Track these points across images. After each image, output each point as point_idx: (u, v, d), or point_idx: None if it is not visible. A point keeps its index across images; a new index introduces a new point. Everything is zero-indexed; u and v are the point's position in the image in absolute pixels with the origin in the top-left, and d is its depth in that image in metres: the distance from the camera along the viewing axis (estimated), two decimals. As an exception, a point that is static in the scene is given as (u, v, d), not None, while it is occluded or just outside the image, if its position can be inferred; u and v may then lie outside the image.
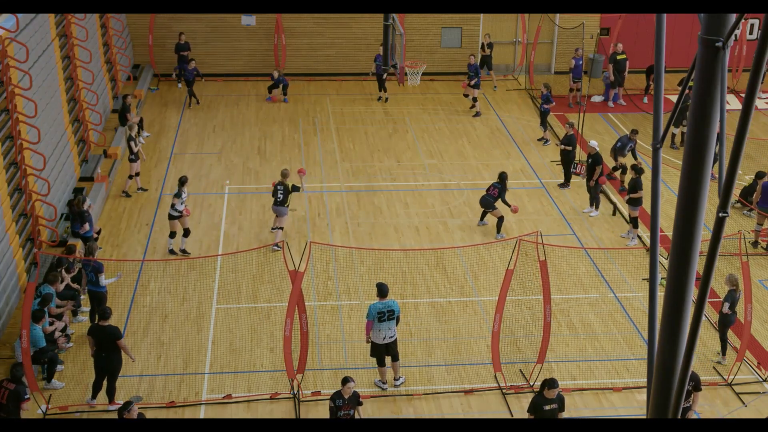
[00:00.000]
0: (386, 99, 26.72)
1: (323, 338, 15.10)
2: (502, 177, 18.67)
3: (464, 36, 29.47)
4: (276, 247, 17.59)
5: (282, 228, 18.07)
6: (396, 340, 13.62)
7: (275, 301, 16.06)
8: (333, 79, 27.80)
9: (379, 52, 26.17)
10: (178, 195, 17.57)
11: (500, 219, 18.58)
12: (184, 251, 17.78)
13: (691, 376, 7.85)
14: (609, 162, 21.96)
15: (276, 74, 26.49)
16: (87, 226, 16.87)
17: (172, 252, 17.73)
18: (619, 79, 26.56)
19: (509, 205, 18.67)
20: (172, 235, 17.74)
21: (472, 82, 25.79)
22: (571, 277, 17.05)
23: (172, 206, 17.60)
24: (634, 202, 18.17)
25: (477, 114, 25.86)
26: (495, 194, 18.56)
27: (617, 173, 20.82)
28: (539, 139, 23.88)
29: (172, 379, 14.00)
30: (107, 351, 12.96)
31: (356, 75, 29.01)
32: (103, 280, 14.95)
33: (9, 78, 16.83)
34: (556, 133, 24.12)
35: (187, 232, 17.84)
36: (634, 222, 18.43)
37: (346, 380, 12.11)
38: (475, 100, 26.05)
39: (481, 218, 19.14)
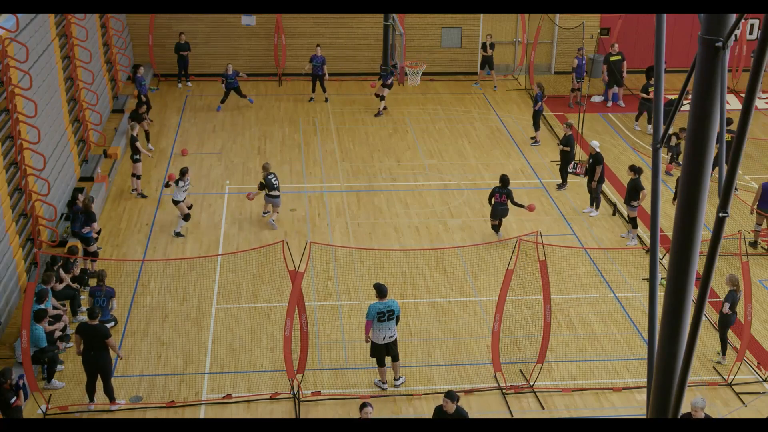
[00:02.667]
0: (326, 99, 26.68)
1: (323, 338, 15.10)
2: (506, 181, 18.31)
3: (464, 36, 29.47)
4: (272, 223, 18.88)
5: (277, 212, 19.00)
6: (396, 340, 13.61)
7: (275, 301, 16.06)
8: (333, 79, 27.80)
9: (316, 52, 26.15)
10: (177, 183, 18.43)
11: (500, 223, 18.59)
12: (178, 234, 18.43)
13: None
14: (610, 163, 21.95)
15: (231, 68, 25.27)
16: (96, 226, 17.00)
17: (178, 234, 18.47)
18: (616, 79, 26.51)
19: (523, 206, 18.46)
20: (186, 218, 18.53)
21: (389, 82, 25.45)
22: (571, 277, 17.05)
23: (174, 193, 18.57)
24: (636, 203, 18.17)
25: (379, 113, 25.55)
26: (505, 200, 18.17)
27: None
28: (533, 141, 23.85)
29: (172, 379, 14.00)
30: (96, 350, 12.91)
31: (356, 75, 29.03)
32: (114, 304, 14.87)
33: (9, 78, 16.83)
34: (556, 133, 24.11)
35: (187, 217, 18.53)
36: (633, 222, 18.43)
37: (363, 405, 11.51)
38: (382, 98, 25.61)
39: (498, 230, 18.62)
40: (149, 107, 24.46)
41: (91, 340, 12.89)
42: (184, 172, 18.45)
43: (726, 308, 14.25)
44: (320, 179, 21.37)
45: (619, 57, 26.37)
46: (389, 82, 25.50)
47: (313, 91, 26.68)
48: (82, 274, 16.01)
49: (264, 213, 19.24)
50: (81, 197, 17.75)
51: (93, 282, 15.54)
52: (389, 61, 21.28)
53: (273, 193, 18.62)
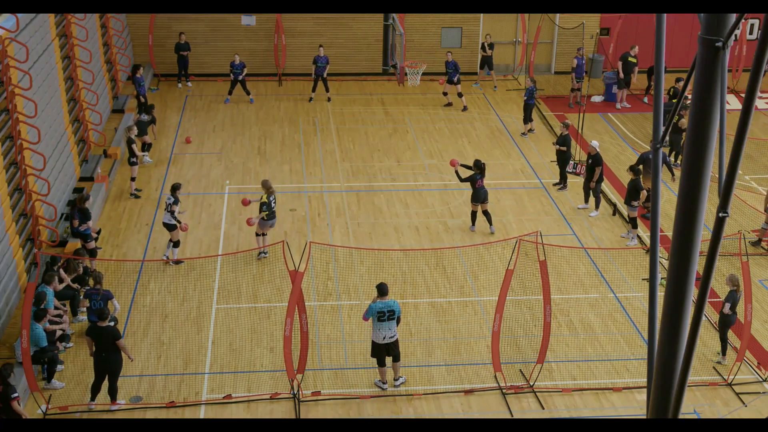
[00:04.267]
0: (329, 99, 26.80)
1: (323, 338, 15.10)
2: (483, 165, 18.54)
3: (464, 36, 29.48)
4: (264, 254, 17.52)
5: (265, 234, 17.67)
6: (397, 340, 13.60)
7: (275, 301, 16.06)
8: (333, 79, 27.79)
9: (319, 53, 26.20)
10: (176, 202, 17.08)
11: (487, 212, 18.70)
12: (177, 261, 17.21)
13: None
14: (610, 162, 21.95)
15: (238, 59, 25.98)
16: (91, 224, 16.90)
17: (177, 262, 17.21)
18: (624, 80, 26.50)
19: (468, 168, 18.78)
20: (176, 244, 17.34)
21: (455, 78, 26.00)
22: (571, 277, 17.04)
23: (172, 213, 16.96)
24: (636, 203, 18.16)
25: (465, 108, 26.22)
26: (483, 183, 18.54)
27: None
28: (527, 132, 24.15)
29: (172, 379, 14.00)
30: (107, 351, 12.93)
31: (356, 75, 29.04)
32: (116, 303, 14.65)
33: (9, 78, 16.82)
34: (555, 133, 24.10)
35: (177, 243, 17.38)
36: (633, 222, 18.43)
37: None
38: (460, 95, 26.23)
39: (474, 221, 18.86)
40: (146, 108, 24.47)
41: (101, 342, 12.88)
42: (175, 188, 17.13)
43: (727, 308, 14.24)
44: (320, 179, 21.36)
45: (635, 60, 26.30)
46: (455, 79, 25.96)
47: (314, 90, 26.70)
48: (84, 273, 16.00)
49: (259, 255, 17.54)
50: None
51: (91, 283, 15.52)
52: (389, 61, 21.28)
53: (271, 221, 17.45)
